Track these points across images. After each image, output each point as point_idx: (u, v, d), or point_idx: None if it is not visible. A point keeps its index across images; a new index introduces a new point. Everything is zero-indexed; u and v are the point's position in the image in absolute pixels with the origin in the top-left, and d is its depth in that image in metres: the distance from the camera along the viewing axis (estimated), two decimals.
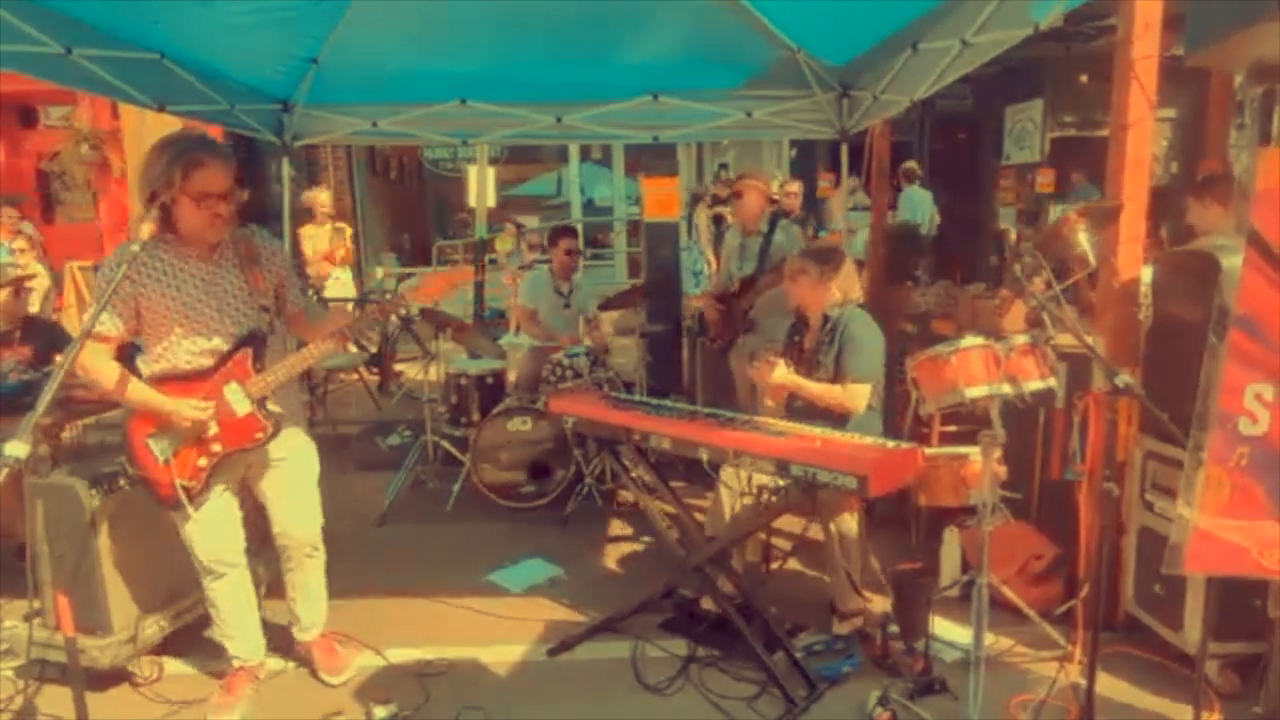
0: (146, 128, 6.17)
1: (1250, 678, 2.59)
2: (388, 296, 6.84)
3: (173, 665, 2.97)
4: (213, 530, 2.59)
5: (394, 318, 7.24)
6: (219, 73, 4.11)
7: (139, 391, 2.41)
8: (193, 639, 3.05)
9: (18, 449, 1.62)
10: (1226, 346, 1.10)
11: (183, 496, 2.48)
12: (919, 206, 9.71)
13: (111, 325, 2.37)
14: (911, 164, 10.08)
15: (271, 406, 2.56)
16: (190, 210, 2.33)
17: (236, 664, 2.79)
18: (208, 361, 2.47)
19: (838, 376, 3.16)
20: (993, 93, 10.76)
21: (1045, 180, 9.86)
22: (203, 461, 2.50)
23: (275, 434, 2.55)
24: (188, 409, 2.40)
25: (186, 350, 2.46)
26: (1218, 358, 1.11)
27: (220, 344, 2.48)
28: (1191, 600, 2.55)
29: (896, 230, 6.91)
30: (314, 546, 2.83)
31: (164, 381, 2.45)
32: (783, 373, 3.12)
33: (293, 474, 2.70)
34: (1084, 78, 8.75)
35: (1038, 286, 3.37)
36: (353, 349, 5.97)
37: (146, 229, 1.98)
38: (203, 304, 2.45)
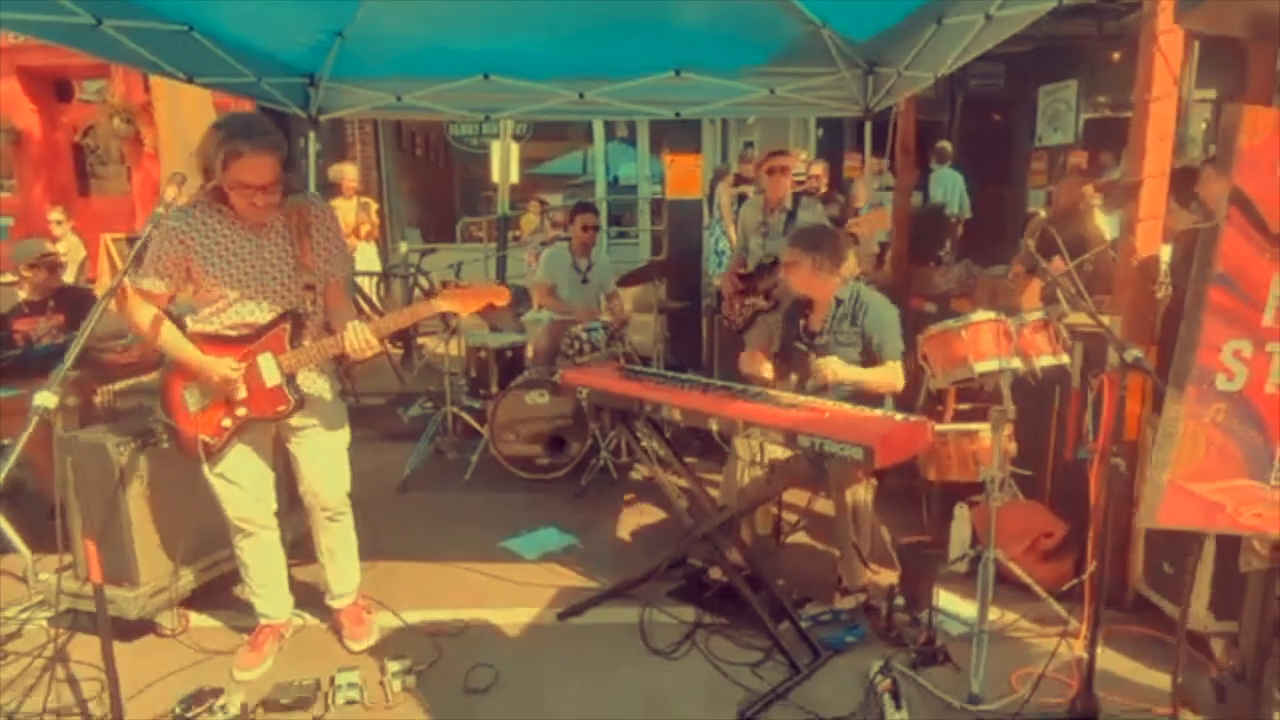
0: (179, 102, 6.28)
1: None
2: (411, 271, 6.89)
3: (198, 618, 3.08)
4: (241, 491, 2.69)
5: (417, 290, 7.29)
6: (247, 45, 4.17)
7: (176, 344, 2.53)
8: (219, 594, 3.17)
9: (47, 399, 1.69)
10: (1206, 303, 1.10)
11: (201, 451, 2.58)
12: (950, 188, 9.58)
13: (154, 284, 2.49)
14: (944, 144, 9.93)
15: (303, 385, 2.64)
16: (233, 195, 2.42)
17: (263, 621, 2.88)
18: (248, 330, 2.56)
19: (875, 358, 3.18)
20: (1026, 73, 10.55)
21: (1077, 160, 9.66)
22: (227, 422, 2.60)
23: (296, 410, 2.62)
24: (221, 367, 2.50)
25: (229, 317, 2.56)
26: (1196, 316, 1.11)
27: (261, 316, 2.56)
28: (1200, 578, 2.54)
29: (922, 211, 6.84)
30: (338, 510, 2.88)
31: (206, 341, 2.56)
32: (839, 366, 3.09)
33: (321, 438, 2.75)
34: (1116, 55, 8.54)
35: (1057, 265, 3.35)
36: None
37: (171, 192, 2.04)
38: (248, 276, 2.53)
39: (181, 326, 2.60)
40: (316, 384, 2.72)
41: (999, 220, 10.35)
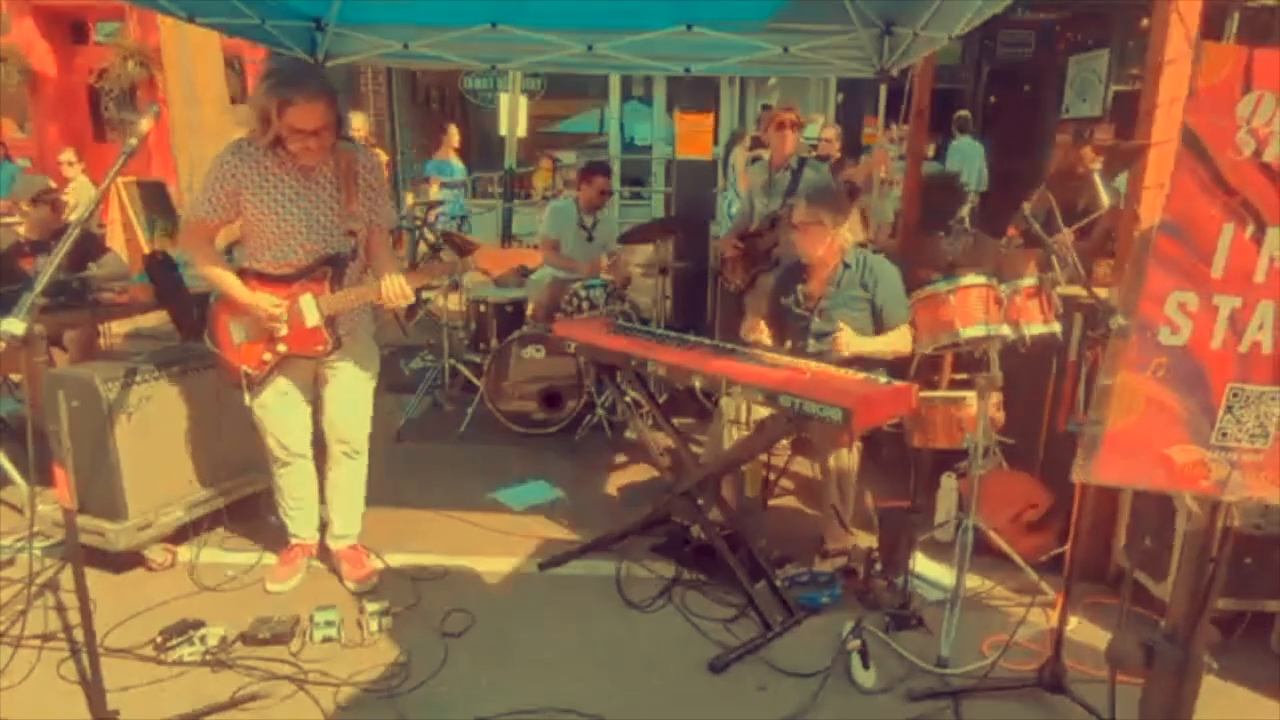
0: (186, 45, 6.25)
1: (1232, 633, 2.57)
2: (417, 222, 6.86)
3: (189, 553, 3.13)
4: (279, 420, 2.82)
5: (423, 245, 7.26)
6: None
7: (223, 276, 2.64)
8: (210, 530, 3.23)
9: (14, 326, 1.70)
10: (1151, 251, 1.06)
11: (244, 381, 2.72)
12: (969, 158, 9.39)
13: (208, 211, 2.59)
14: (964, 113, 9.71)
15: (341, 325, 2.73)
16: (289, 141, 2.49)
17: (294, 541, 3.03)
18: (290, 270, 2.65)
19: (883, 325, 3.14)
20: (1057, 41, 10.27)
21: (1104, 135, 9.41)
22: (267, 356, 2.71)
23: (334, 350, 2.72)
24: (265, 303, 2.61)
25: (274, 255, 2.64)
26: (1141, 268, 1.08)
27: (304, 258, 2.65)
28: (1178, 549, 2.52)
29: (934, 179, 6.70)
30: (355, 448, 2.95)
31: (253, 278, 2.66)
32: (851, 338, 3.03)
33: (352, 375, 2.84)
34: (1145, 22, 8.26)
35: (1067, 238, 3.28)
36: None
37: (146, 124, 2.03)
38: (294, 216, 2.61)
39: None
40: (354, 325, 2.80)
41: (1020, 192, 10.14)
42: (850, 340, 3.04)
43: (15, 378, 4.41)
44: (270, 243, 2.63)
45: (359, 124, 7.04)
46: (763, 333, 3.31)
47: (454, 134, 8.55)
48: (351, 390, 2.86)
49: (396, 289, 2.60)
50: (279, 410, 2.80)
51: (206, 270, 2.65)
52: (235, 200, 2.58)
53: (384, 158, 7.58)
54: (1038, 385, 3.41)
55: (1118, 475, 1.14)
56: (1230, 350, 1.10)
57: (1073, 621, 2.65)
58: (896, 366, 3.33)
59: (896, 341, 3.11)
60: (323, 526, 3.07)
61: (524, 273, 5.40)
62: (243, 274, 2.66)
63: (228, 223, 2.66)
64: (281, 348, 2.69)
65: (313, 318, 2.65)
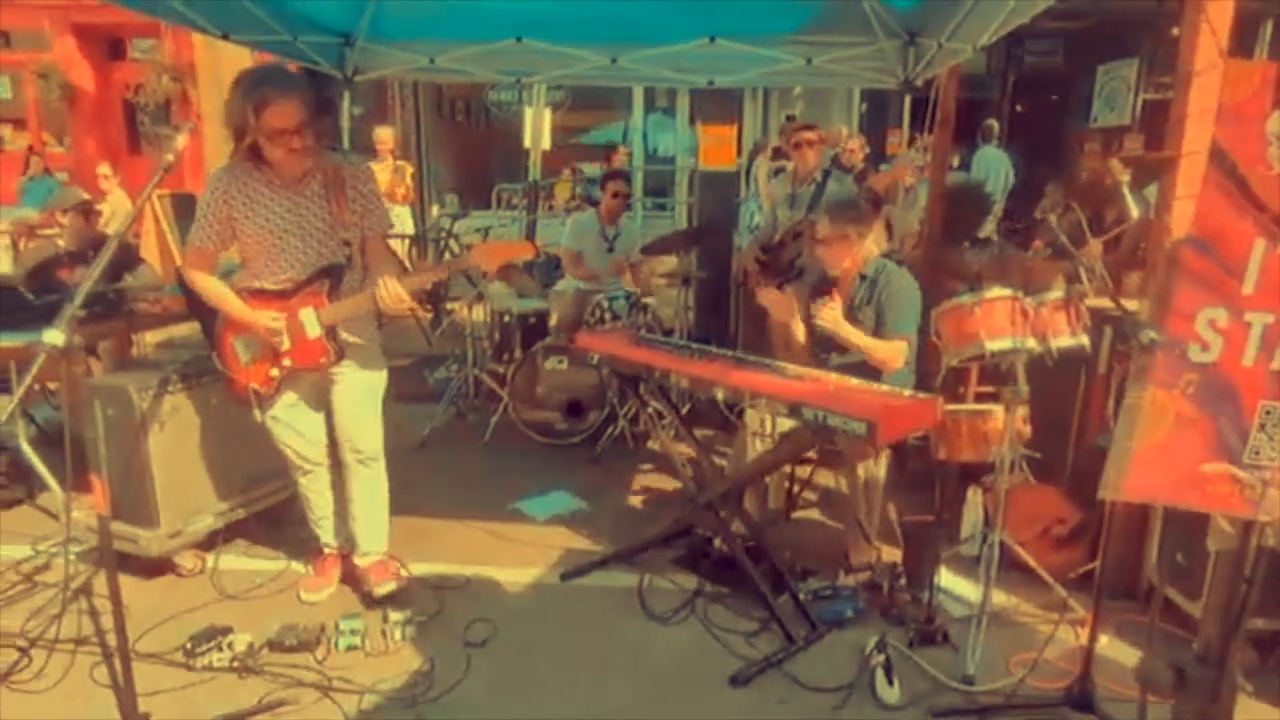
0: (220, 62, 6.38)
1: (1270, 655, 2.51)
2: (443, 234, 6.92)
3: (213, 560, 3.16)
4: (295, 433, 2.85)
5: (448, 254, 7.33)
6: (283, 3, 4.20)
7: (224, 297, 2.67)
8: (238, 538, 3.28)
9: (55, 337, 1.74)
10: (1178, 268, 1.05)
11: (253, 399, 2.75)
12: (994, 168, 9.31)
13: (204, 239, 2.62)
14: (991, 122, 9.63)
15: (344, 335, 2.74)
16: (268, 147, 2.47)
17: (327, 550, 3.06)
18: (289, 284, 2.67)
19: (878, 332, 3.10)
20: (1085, 49, 10.15)
21: (1133, 145, 9.28)
22: (274, 372, 2.74)
23: (337, 360, 2.74)
24: (264, 319, 2.64)
25: (271, 272, 2.66)
26: (1171, 284, 1.06)
27: (301, 272, 2.67)
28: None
29: (958, 189, 6.64)
30: (370, 455, 2.93)
31: (251, 296, 2.69)
32: (835, 316, 2.99)
33: (359, 383, 2.84)
34: (1176, 31, 8.16)
35: (1096, 250, 3.24)
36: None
37: (181, 140, 2.07)
38: (288, 233, 2.63)
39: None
40: (357, 331, 2.81)
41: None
42: (833, 318, 2.97)
43: (52, 385, 4.51)
44: (268, 260, 2.64)
45: (386, 137, 7.13)
46: (789, 308, 3.20)
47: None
48: (359, 396, 2.85)
49: (392, 294, 2.57)
50: (292, 422, 2.83)
51: (208, 292, 2.67)
52: (230, 225, 2.59)
53: (409, 170, 7.70)
54: (1066, 398, 3.37)
55: (1147, 493, 1.13)
56: (1262, 367, 1.08)
57: (1103, 639, 2.60)
58: (922, 379, 3.31)
59: (884, 350, 3.01)
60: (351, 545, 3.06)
61: (546, 282, 5.44)
62: (242, 294, 2.68)
63: (225, 249, 2.66)
64: (287, 362, 2.71)
65: (313, 329, 2.67)
